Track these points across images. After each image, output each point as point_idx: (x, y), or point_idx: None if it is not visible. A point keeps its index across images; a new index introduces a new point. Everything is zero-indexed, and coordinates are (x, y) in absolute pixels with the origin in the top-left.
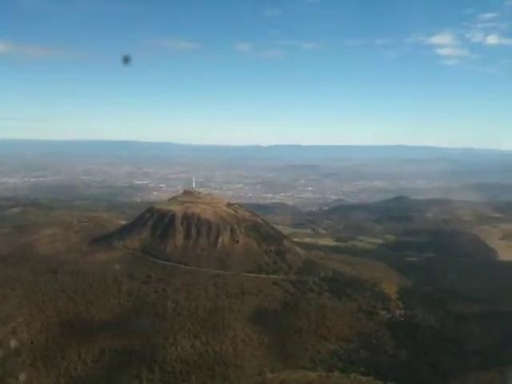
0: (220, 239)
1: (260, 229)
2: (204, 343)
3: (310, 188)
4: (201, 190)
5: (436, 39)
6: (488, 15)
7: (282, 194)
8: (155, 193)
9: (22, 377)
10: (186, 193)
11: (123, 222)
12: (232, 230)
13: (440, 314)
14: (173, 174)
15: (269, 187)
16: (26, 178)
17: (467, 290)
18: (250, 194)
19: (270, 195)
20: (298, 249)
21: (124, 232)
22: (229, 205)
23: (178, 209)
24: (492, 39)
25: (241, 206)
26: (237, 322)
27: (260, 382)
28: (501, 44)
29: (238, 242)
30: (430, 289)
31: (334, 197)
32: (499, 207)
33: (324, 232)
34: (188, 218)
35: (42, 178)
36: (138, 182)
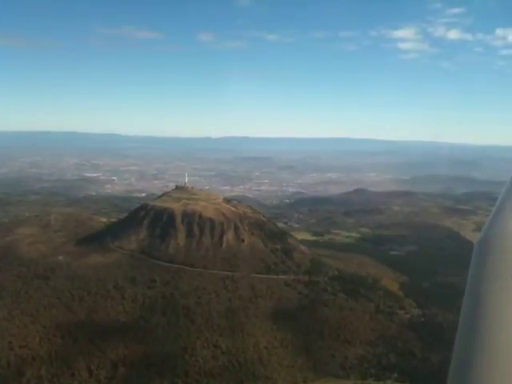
0: (224, 238)
1: (263, 226)
2: (226, 353)
3: (266, 180)
4: (156, 182)
5: (399, 33)
6: (455, 10)
7: (240, 186)
8: (108, 186)
9: None
10: (179, 188)
11: (104, 220)
12: (236, 228)
13: (456, 312)
14: (123, 166)
15: (225, 180)
16: None
17: (463, 285)
18: (208, 187)
19: (227, 188)
20: (302, 247)
21: (117, 231)
22: (227, 201)
23: (175, 206)
24: (453, 34)
25: (239, 201)
26: (255, 327)
27: None
28: (461, 39)
29: (243, 240)
30: (428, 284)
31: (291, 189)
32: (459, 199)
33: (297, 226)
34: (188, 216)
35: None
36: (88, 175)
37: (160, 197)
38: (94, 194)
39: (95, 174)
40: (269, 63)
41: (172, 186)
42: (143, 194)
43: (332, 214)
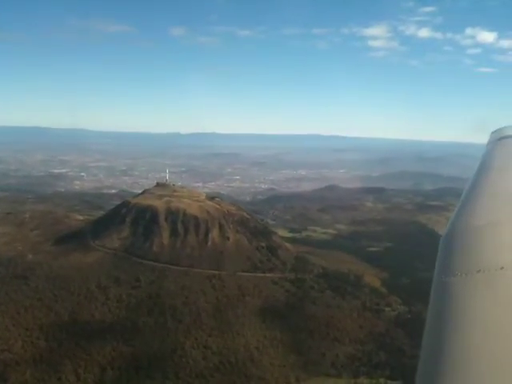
0: (210, 236)
1: (248, 224)
2: (216, 353)
3: (237, 177)
4: (125, 178)
5: (370, 31)
6: (427, 9)
7: (212, 183)
8: (77, 182)
9: None
10: (160, 185)
11: (81, 217)
12: (221, 226)
13: None
14: (92, 162)
15: (196, 176)
16: None
17: None
18: (180, 183)
19: (199, 184)
20: (287, 244)
21: (97, 229)
22: (210, 198)
23: (158, 203)
24: (424, 32)
25: (222, 199)
26: (244, 327)
27: None
28: (431, 37)
29: (228, 238)
30: (408, 280)
31: (263, 186)
32: (428, 195)
33: (273, 222)
34: (172, 214)
35: None
36: (55, 171)
37: (141, 194)
38: (63, 190)
39: (63, 170)
40: (240, 59)
41: (142, 182)
42: (113, 191)
43: (307, 211)
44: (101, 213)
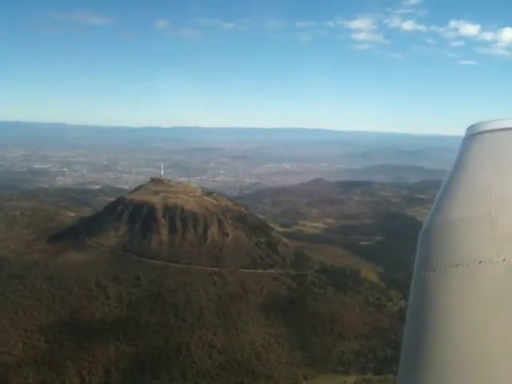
0: (209, 232)
1: (246, 219)
2: (221, 352)
3: (221, 171)
4: (109, 173)
5: (355, 23)
6: (412, 1)
7: (197, 177)
8: (60, 178)
9: None
10: (155, 181)
11: (72, 214)
12: (219, 222)
13: None
14: (73, 157)
15: (180, 171)
16: None
17: None
18: (168, 178)
19: (184, 179)
20: (286, 240)
21: (93, 227)
22: (207, 193)
23: (155, 199)
24: (408, 25)
25: (219, 194)
26: (248, 324)
27: None
28: (415, 30)
29: (228, 234)
30: (403, 274)
31: (248, 180)
32: (412, 188)
33: (263, 217)
34: (170, 210)
35: None
36: (37, 166)
37: (136, 190)
38: (47, 186)
39: (44, 166)
40: (223, 52)
41: (126, 177)
42: (98, 186)
43: (295, 205)
44: (87, 209)
